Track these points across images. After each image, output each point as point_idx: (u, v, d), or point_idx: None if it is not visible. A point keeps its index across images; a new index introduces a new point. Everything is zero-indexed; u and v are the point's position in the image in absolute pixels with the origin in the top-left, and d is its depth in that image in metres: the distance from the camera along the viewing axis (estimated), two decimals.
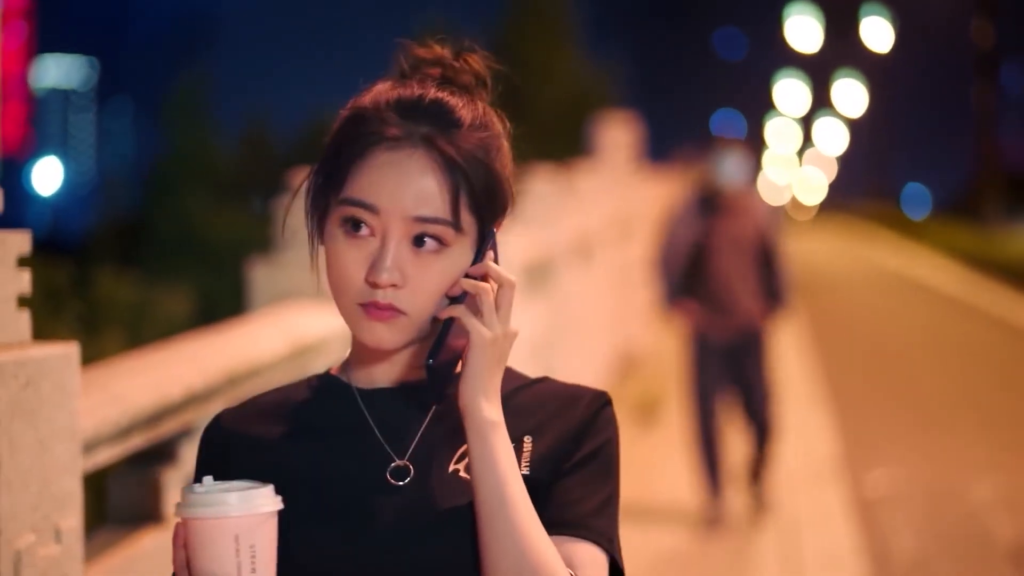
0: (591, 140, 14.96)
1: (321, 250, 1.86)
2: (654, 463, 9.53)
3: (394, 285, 1.76)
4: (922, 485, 9.13)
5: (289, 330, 4.58)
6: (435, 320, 1.79)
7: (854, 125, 74.72)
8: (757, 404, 8.13)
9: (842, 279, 26.21)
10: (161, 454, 3.69)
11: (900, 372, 14.41)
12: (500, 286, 1.78)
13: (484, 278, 1.79)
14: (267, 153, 35.34)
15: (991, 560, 7.56)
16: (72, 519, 2.77)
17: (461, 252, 1.80)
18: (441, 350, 1.76)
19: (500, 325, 1.76)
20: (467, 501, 1.76)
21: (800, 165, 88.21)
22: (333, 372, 1.93)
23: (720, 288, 7.98)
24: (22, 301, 2.74)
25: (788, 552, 7.67)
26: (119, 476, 3.68)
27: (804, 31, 60.68)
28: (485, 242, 1.82)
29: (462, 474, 1.79)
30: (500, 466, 1.73)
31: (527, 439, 1.82)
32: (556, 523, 1.77)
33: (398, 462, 1.81)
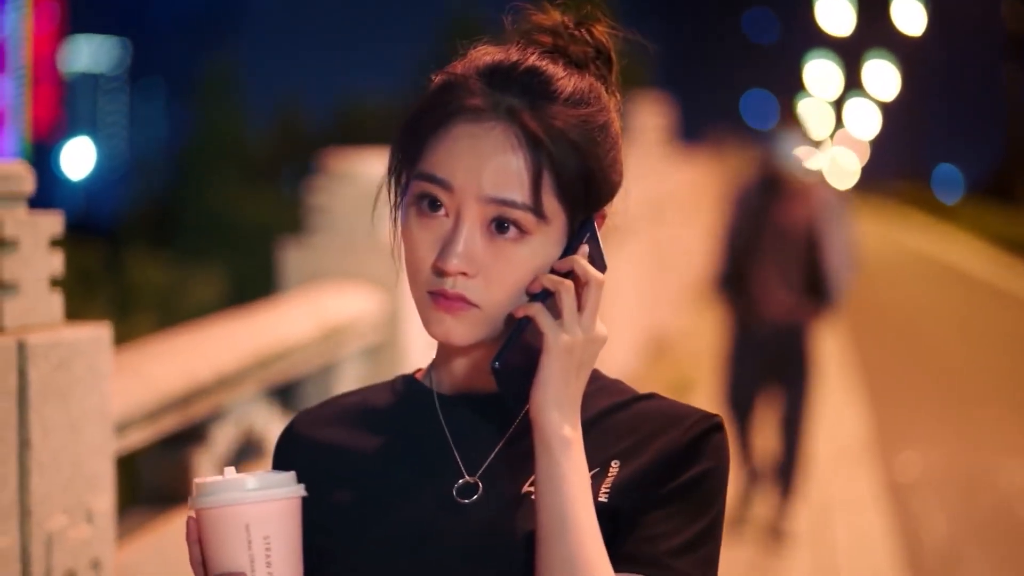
0: (623, 121, 14.88)
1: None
2: None
3: (463, 273, 1.57)
4: (954, 469, 9.09)
5: (320, 312, 4.58)
6: (509, 319, 1.59)
7: (886, 107, 74.38)
8: (790, 404, 7.68)
9: (874, 263, 26.06)
10: (192, 436, 3.70)
11: (932, 356, 14.35)
12: (586, 284, 1.56)
13: (570, 275, 1.57)
14: (298, 135, 35.40)
15: (1023, 544, 7.54)
16: (104, 501, 2.77)
17: (545, 243, 1.59)
18: (510, 352, 1.55)
19: (581, 329, 1.55)
20: (534, 527, 1.55)
21: (831, 147, 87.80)
22: (419, 375, 1.76)
23: (756, 278, 7.57)
24: (54, 283, 2.74)
25: (819, 535, 7.64)
26: (150, 458, 3.69)
27: (836, 13, 60.45)
28: (579, 234, 1.61)
29: (535, 497, 1.56)
30: (566, 487, 1.52)
31: (614, 464, 1.61)
32: (630, 558, 1.55)
33: (467, 479, 1.63)
